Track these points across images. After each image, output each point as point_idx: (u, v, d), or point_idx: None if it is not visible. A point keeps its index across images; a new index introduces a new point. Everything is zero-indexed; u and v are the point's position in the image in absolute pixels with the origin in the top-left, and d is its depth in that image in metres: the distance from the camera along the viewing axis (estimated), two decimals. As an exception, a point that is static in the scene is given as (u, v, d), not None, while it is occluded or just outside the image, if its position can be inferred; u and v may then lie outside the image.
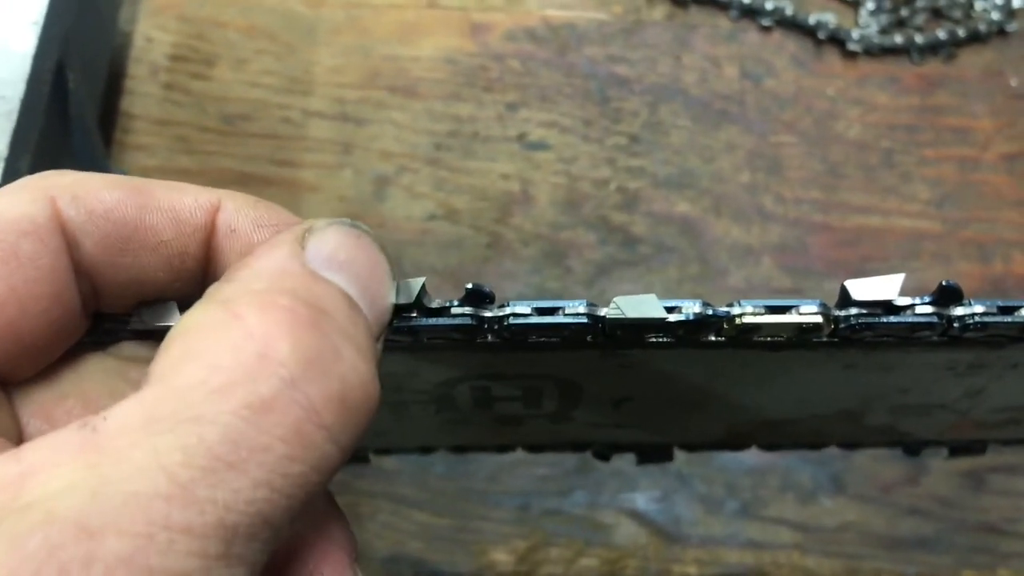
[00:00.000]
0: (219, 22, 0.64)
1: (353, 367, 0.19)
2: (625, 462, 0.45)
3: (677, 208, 0.60)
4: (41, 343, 0.21)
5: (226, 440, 0.17)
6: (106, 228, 0.21)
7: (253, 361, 0.18)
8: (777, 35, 0.66)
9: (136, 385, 0.19)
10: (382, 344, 0.22)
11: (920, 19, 0.66)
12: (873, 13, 0.66)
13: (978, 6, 0.66)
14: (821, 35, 0.65)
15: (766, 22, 0.65)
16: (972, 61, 0.65)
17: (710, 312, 0.24)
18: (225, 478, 0.17)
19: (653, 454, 0.37)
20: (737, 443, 0.36)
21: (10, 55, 0.43)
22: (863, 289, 0.24)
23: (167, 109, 0.62)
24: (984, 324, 0.25)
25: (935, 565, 0.51)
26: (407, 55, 0.64)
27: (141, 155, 0.60)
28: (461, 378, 0.30)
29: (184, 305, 0.23)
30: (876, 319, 0.25)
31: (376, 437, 0.35)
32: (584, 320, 0.25)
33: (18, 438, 0.21)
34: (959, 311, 0.25)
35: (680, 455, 0.37)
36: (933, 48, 0.65)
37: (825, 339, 0.26)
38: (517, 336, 0.25)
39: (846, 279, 0.22)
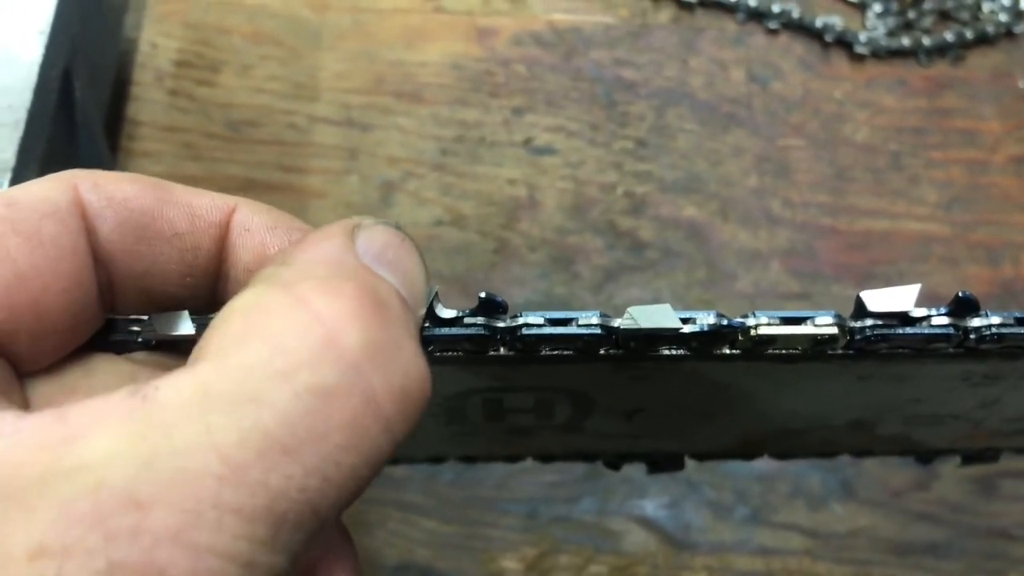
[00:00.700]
0: (224, 28, 0.64)
1: (413, 360, 0.19)
2: (634, 469, 0.45)
3: (684, 212, 0.60)
4: (60, 327, 0.21)
5: (284, 424, 0.17)
6: (124, 215, 0.22)
7: (320, 345, 0.18)
8: (784, 38, 0.65)
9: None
10: None
11: (927, 21, 0.66)
12: (880, 15, 0.65)
13: (986, 8, 0.66)
14: (828, 38, 0.65)
15: (773, 25, 0.65)
16: (980, 63, 0.64)
17: (725, 323, 0.24)
18: (279, 463, 0.17)
19: (664, 463, 0.37)
20: (749, 452, 0.36)
21: (16, 64, 0.43)
22: (878, 300, 0.24)
23: (173, 116, 0.62)
24: (1001, 335, 0.25)
25: (946, 571, 0.50)
26: (413, 60, 0.64)
27: (147, 162, 0.60)
28: (472, 390, 0.29)
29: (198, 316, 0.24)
30: (892, 330, 0.25)
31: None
32: (598, 331, 0.25)
33: None
34: (975, 322, 0.25)
35: (690, 462, 0.37)
36: (941, 50, 0.65)
37: (840, 351, 0.25)
38: (529, 347, 0.25)
39: (855, 283, 0.22)
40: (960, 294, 0.24)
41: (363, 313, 0.18)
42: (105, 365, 0.23)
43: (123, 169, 0.60)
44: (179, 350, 0.24)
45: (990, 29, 0.64)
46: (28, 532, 0.15)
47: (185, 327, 0.24)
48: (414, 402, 0.19)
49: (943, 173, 0.61)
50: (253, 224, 0.23)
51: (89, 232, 0.21)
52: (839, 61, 0.65)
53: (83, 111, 0.49)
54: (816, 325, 0.25)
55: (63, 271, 0.21)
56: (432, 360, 0.27)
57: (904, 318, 0.24)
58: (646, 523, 0.51)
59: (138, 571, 0.15)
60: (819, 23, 0.65)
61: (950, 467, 0.52)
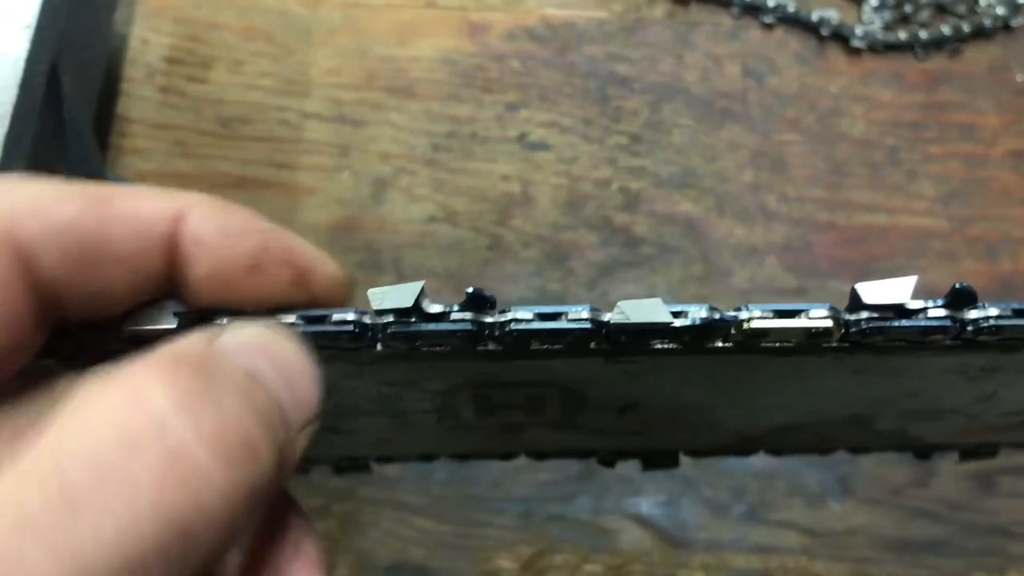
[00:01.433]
0: (215, 24, 0.64)
1: (235, 414, 0.19)
2: (629, 467, 0.44)
3: (680, 208, 0.59)
4: None
5: (85, 469, 0.17)
6: (67, 242, 0.21)
7: (124, 406, 0.18)
8: (779, 32, 0.65)
9: None
10: (309, 436, 0.22)
11: (924, 15, 0.65)
12: (876, 9, 0.65)
13: (983, 1, 0.65)
14: (824, 32, 0.64)
15: (768, 19, 0.65)
16: (977, 57, 0.64)
17: (717, 317, 0.24)
18: (86, 520, 0.16)
19: (659, 460, 0.36)
20: (745, 449, 0.35)
21: (2, 59, 0.43)
22: (874, 292, 0.24)
23: (164, 112, 0.61)
24: (999, 327, 0.24)
25: (945, 568, 0.50)
26: (405, 56, 0.63)
27: (138, 159, 0.60)
28: (461, 386, 0.29)
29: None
30: (888, 323, 0.24)
31: (377, 446, 0.35)
32: (587, 325, 0.24)
33: None
34: (973, 314, 0.24)
35: (686, 460, 0.36)
36: (938, 44, 0.64)
37: (835, 344, 0.25)
38: (519, 342, 0.25)
39: (852, 278, 0.21)
40: (957, 285, 0.24)
41: (177, 375, 0.18)
42: (65, 381, 0.22)
43: (114, 167, 0.60)
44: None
45: (987, 22, 0.64)
46: None
47: (167, 321, 0.23)
48: (237, 456, 0.18)
49: (940, 168, 0.61)
50: (204, 232, 0.22)
51: (29, 263, 0.21)
52: (835, 55, 0.64)
53: (71, 107, 0.49)
54: (810, 318, 0.24)
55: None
56: (420, 356, 0.26)
57: (900, 310, 0.24)
58: (642, 521, 0.51)
59: None
60: (815, 17, 0.64)
61: (948, 464, 0.52)
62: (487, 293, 0.24)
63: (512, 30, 0.64)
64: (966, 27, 0.64)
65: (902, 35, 0.64)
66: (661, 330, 0.24)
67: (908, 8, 0.65)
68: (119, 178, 0.58)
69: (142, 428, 0.17)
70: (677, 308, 0.24)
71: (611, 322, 0.24)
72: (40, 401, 0.22)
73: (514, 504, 0.51)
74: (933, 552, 0.50)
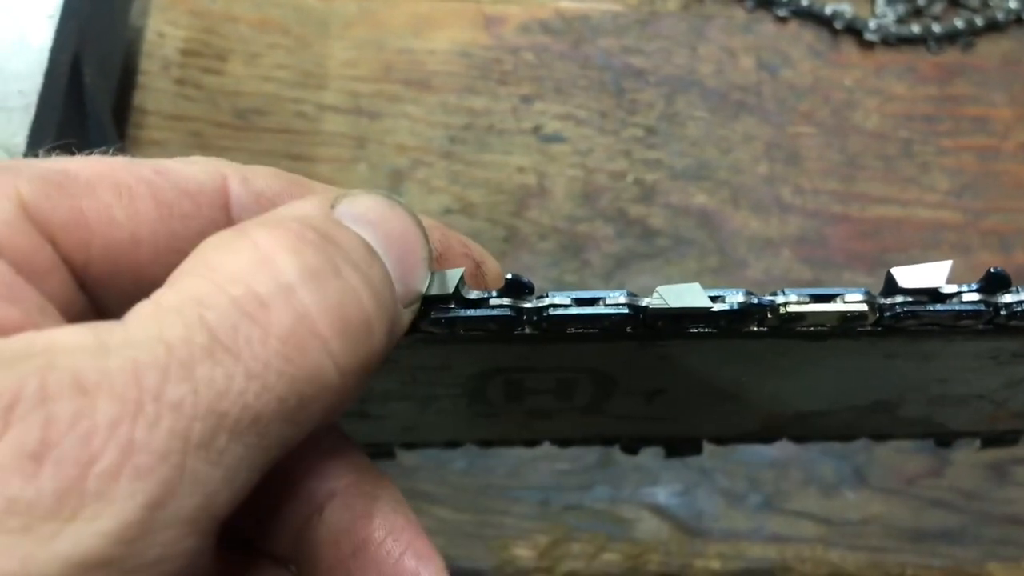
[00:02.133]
0: (231, 16, 0.64)
1: (354, 290, 0.19)
2: (647, 456, 0.45)
3: (695, 200, 0.59)
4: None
5: (225, 324, 0.17)
6: (265, 210, 0.22)
7: (253, 264, 0.18)
8: (793, 25, 0.65)
9: None
10: (412, 313, 0.22)
11: (937, 8, 0.65)
12: (890, 2, 0.65)
13: (995, -6, 0.65)
14: (838, 25, 0.64)
15: (782, 12, 0.65)
16: (990, 50, 0.64)
17: (755, 301, 0.24)
18: (222, 361, 0.17)
19: (682, 448, 0.37)
20: (768, 436, 0.35)
21: (27, 49, 0.43)
22: (909, 276, 0.24)
23: (180, 104, 0.61)
24: (1033, 312, 0.25)
25: (960, 558, 0.50)
26: (421, 48, 0.63)
27: (155, 150, 0.60)
28: (495, 371, 0.29)
29: None
30: (922, 307, 0.24)
31: (404, 431, 0.35)
32: (625, 311, 0.24)
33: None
34: (1007, 299, 0.24)
35: (704, 448, 0.37)
36: (951, 37, 0.64)
37: (869, 328, 0.25)
38: (555, 327, 0.25)
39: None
40: (992, 270, 0.24)
41: (300, 242, 0.19)
42: None
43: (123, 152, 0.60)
44: None
45: (1000, 16, 0.64)
46: None
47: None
48: (355, 331, 0.19)
49: (954, 160, 0.61)
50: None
51: (233, 223, 0.22)
52: (849, 48, 0.64)
53: (92, 98, 0.49)
54: (846, 302, 0.24)
55: (178, 246, 0.21)
56: (456, 340, 0.27)
57: (934, 294, 0.24)
58: (659, 510, 0.51)
59: (68, 458, 0.15)
60: (828, 10, 0.64)
61: (963, 453, 0.52)
62: (525, 279, 0.25)
63: (527, 23, 0.64)
64: (979, 20, 0.64)
65: (915, 28, 0.64)
66: (698, 315, 0.24)
67: (921, 1, 0.65)
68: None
69: (271, 292, 0.18)
70: (714, 292, 0.24)
71: (649, 307, 0.24)
72: None
73: (531, 493, 0.51)
74: (948, 541, 0.51)
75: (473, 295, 0.24)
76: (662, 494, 0.52)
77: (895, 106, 0.63)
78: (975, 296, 0.24)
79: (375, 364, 0.20)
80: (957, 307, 0.24)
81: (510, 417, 0.33)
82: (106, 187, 0.21)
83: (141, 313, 0.18)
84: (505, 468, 0.52)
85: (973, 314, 0.24)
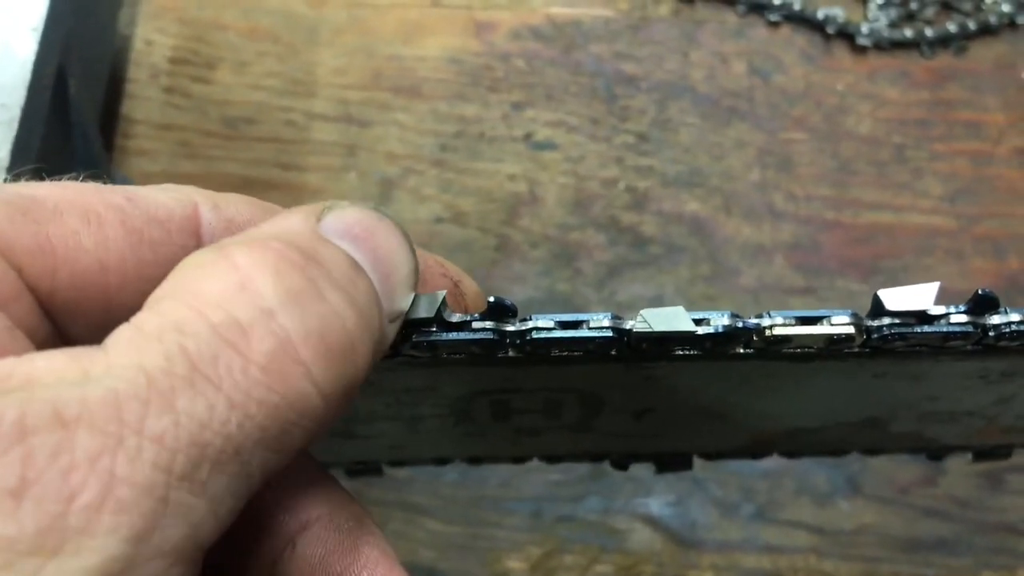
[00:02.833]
0: (220, 24, 0.63)
1: (335, 313, 0.19)
2: (639, 467, 0.45)
3: (687, 207, 0.59)
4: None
5: (206, 352, 0.17)
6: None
7: (233, 290, 0.18)
8: (785, 30, 0.65)
9: None
10: (396, 327, 0.22)
11: (930, 12, 0.65)
12: (882, 7, 0.65)
13: (988, -2, 0.65)
14: (830, 30, 0.64)
15: (774, 17, 0.65)
16: (983, 54, 0.64)
17: (740, 325, 0.24)
18: (203, 391, 0.17)
19: (672, 463, 0.36)
20: (759, 451, 0.35)
21: (10, 61, 0.42)
22: (897, 299, 0.24)
23: (168, 113, 0.61)
24: (1020, 332, 0.24)
25: (954, 567, 0.50)
26: (411, 55, 0.63)
27: (143, 160, 0.60)
28: (480, 392, 0.29)
29: None
30: (910, 329, 0.24)
31: (391, 450, 0.35)
32: (609, 334, 0.24)
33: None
34: (995, 320, 0.24)
35: (697, 461, 0.36)
36: (943, 41, 0.64)
37: (856, 349, 0.25)
38: (539, 350, 0.25)
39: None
40: (980, 292, 0.24)
41: (281, 263, 0.19)
42: None
43: (119, 168, 0.59)
44: None
45: (993, 20, 0.64)
46: None
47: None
48: (337, 355, 0.19)
49: (947, 165, 0.61)
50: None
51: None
52: (841, 53, 0.64)
53: (78, 109, 0.48)
54: (832, 324, 0.24)
55: (147, 273, 0.21)
56: (440, 363, 0.26)
57: (922, 316, 0.24)
58: (651, 522, 0.51)
59: (49, 494, 0.15)
60: (820, 15, 0.64)
61: (957, 463, 0.52)
62: (508, 302, 0.24)
63: (518, 29, 0.64)
64: (972, 24, 0.64)
65: (908, 33, 0.64)
66: (683, 338, 0.24)
67: (914, 6, 0.65)
68: (125, 179, 0.58)
69: (251, 318, 0.18)
70: (699, 315, 0.24)
71: (633, 331, 0.24)
72: None
73: (524, 505, 0.51)
74: (942, 551, 0.50)
75: (455, 318, 0.24)
76: (655, 505, 0.51)
77: (888, 111, 0.62)
78: (963, 318, 0.24)
79: (359, 385, 0.20)
80: (945, 329, 0.24)
81: (498, 435, 0.33)
82: (74, 213, 0.21)
83: (120, 338, 0.17)
84: (497, 480, 0.51)
85: (961, 335, 0.24)
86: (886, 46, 0.64)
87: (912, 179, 0.60)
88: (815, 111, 0.62)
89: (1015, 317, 0.24)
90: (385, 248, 0.21)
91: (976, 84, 0.63)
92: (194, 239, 0.22)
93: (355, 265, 0.20)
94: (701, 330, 0.24)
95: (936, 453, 0.36)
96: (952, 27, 0.64)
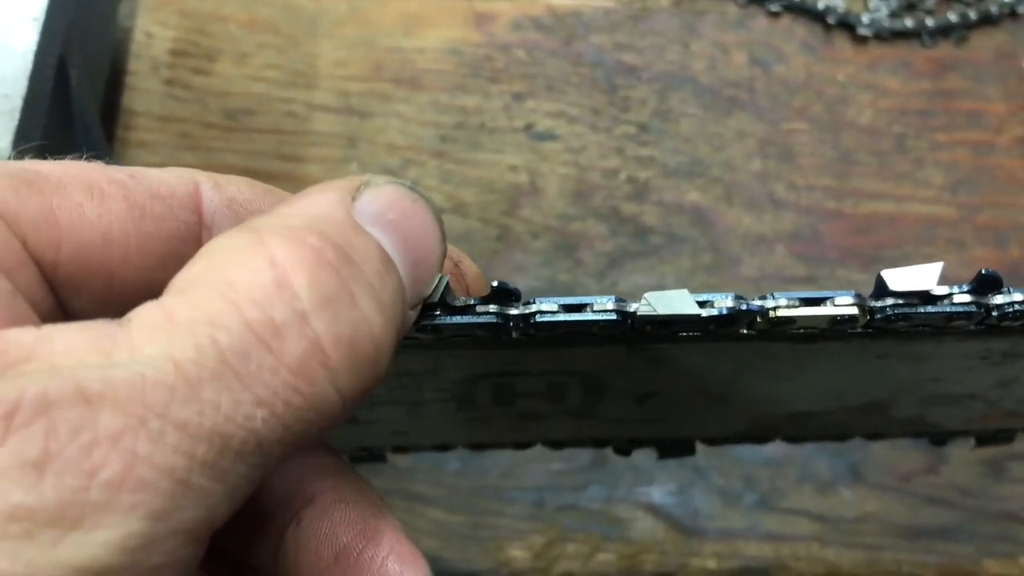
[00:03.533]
0: (220, 16, 0.63)
1: (366, 319, 0.19)
2: (641, 456, 0.45)
3: (688, 197, 0.59)
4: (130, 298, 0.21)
5: (238, 349, 0.17)
6: (242, 217, 0.22)
7: (270, 286, 0.18)
8: (786, 20, 0.65)
9: None
10: (417, 312, 0.22)
11: (930, 2, 0.65)
12: (883, -4, 0.65)
13: (989, -12, 0.65)
14: (830, 20, 0.64)
15: (774, 7, 0.65)
16: (984, 44, 0.64)
17: (743, 307, 0.24)
18: (231, 386, 0.17)
19: (675, 448, 0.36)
20: (761, 436, 0.35)
21: (11, 52, 0.42)
22: (900, 279, 0.24)
23: (169, 105, 0.61)
24: (1023, 312, 0.24)
25: (956, 555, 0.50)
26: (411, 47, 0.63)
27: (144, 152, 0.60)
28: (483, 376, 0.29)
29: None
30: (913, 309, 0.24)
31: (394, 435, 0.35)
32: (613, 317, 0.24)
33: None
34: (998, 300, 0.24)
35: (699, 448, 0.37)
36: (944, 31, 0.64)
37: (860, 330, 0.25)
38: (543, 333, 0.25)
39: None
40: (983, 271, 0.24)
41: (317, 262, 0.19)
42: None
43: (119, 160, 0.59)
44: None
45: (994, 9, 0.64)
46: None
47: None
48: (362, 360, 0.19)
49: (948, 155, 0.61)
50: None
51: (205, 228, 0.22)
52: (842, 43, 0.64)
53: (79, 100, 0.48)
54: (836, 305, 0.24)
55: (150, 248, 0.21)
56: (443, 346, 0.26)
57: (925, 296, 0.24)
58: (654, 510, 0.51)
59: (70, 468, 0.15)
60: (821, 5, 0.64)
61: (959, 450, 0.52)
62: (512, 286, 0.24)
63: (518, 20, 0.64)
64: (972, 14, 0.64)
65: (908, 22, 0.64)
66: (687, 320, 0.24)
67: (914, -5, 0.65)
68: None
69: (285, 320, 0.18)
70: (703, 298, 0.24)
71: (638, 313, 0.24)
72: None
73: (526, 494, 0.51)
74: (944, 538, 0.51)
75: (459, 302, 0.24)
76: (657, 493, 0.51)
77: (888, 101, 0.62)
78: (966, 298, 0.24)
79: (378, 385, 0.20)
80: (948, 309, 0.24)
81: (500, 420, 0.33)
82: (77, 187, 0.21)
83: (149, 321, 0.17)
84: (499, 469, 0.52)
85: (964, 315, 0.24)
86: (887, 36, 0.64)
87: (913, 169, 0.60)
88: (816, 101, 0.62)
89: (1018, 297, 0.24)
90: (417, 233, 0.21)
91: (977, 74, 0.63)
92: (196, 216, 0.22)
93: (386, 259, 0.20)
94: (705, 312, 0.24)
95: (939, 438, 0.36)
96: (953, 17, 0.64)
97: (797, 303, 0.24)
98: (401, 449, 0.37)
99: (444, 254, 0.22)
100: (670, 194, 0.59)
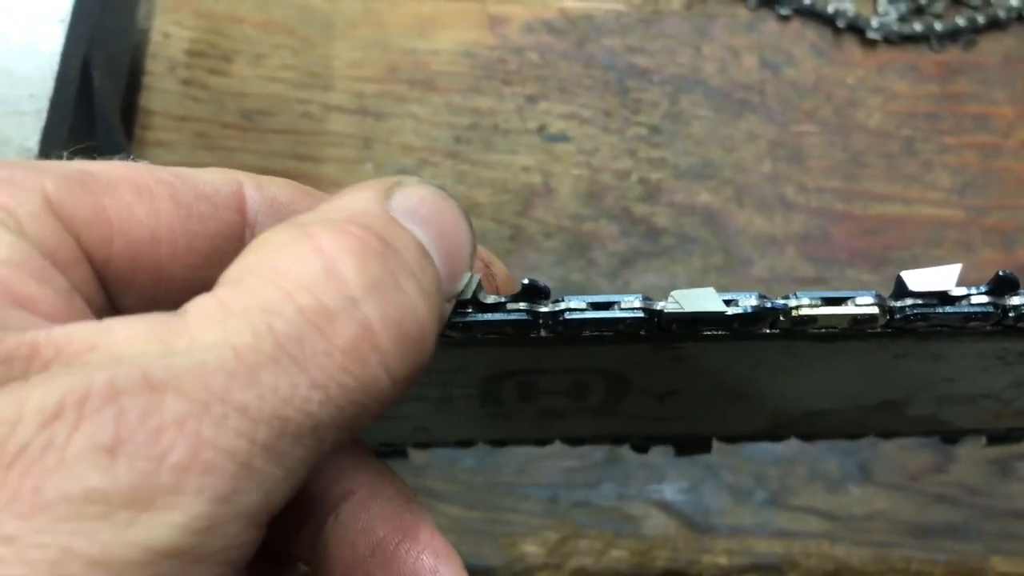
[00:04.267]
0: (236, 17, 0.64)
1: (412, 303, 0.20)
2: (654, 453, 0.45)
3: (699, 199, 0.60)
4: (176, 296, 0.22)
5: (293, 334, 0.18)
6: (284, 218, 0.23)
7: (319, 273, 0.19)
8: (796, 24, 0.65)
9: None
10: (451, 307, 0.23)
11: (939, 6, 0.66)
12: (892, 1, 0.65)
13: (997, -8, 0.66)
14: (840, 24, 0.65)
15: (784, 11, 0.65)
16: (992, 48, 0.65)
17: (768, 305, 0.24)
18: (288, 370, 0.17)
19: (692, 446, 0.37)
20: (777, 434, 0.36)
21: (38, 53, 0.43)
22: (919, 279, 0.24)
23: (186, 105, 0.62)
24: (1039, 313, 0.25)
25: (964, 552, 0.51)
26: (425, 48, 0.63)
27: (161, 152, 0.60)
28: (509, 373, 0.30)
29: None
30: (932, 309, 0.25)
31: (417, 431, 0.36)
32: (640, 315, 0.25)
33: None
34: (1015, 301, 0.25)
35: (713, 446, 0.37)
36: (953, 35, 0.65)
37: (879, 329, 0.26)
38: (571, 331, 0.26)
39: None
40: (1000, 273, 0.25)
41: (363, 250, 0.19)
42: None
43: (139, 159, 0.60)
44: None
45: (1002, 14, 0.64)
46: (45, 393, 0.16)
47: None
48: (410, 343, 0.19)
49: (956, 158, 0.61)
50: None
51: (249, 227, 0.23)
52: (851, 47, 0.65)
53: (101, 100, 0.49)
54: (857, 305, 0.25)
55: (196, 246, 0.22)
56: (472, 344, 0.27)
57: (944, 297, 0.25)
58: (666, 507, 0.52)
59: (140, 451, 0.16)
60: (831, 9, 0.65)
61: (967, 449, 0.52)
62: (541, 283, 0.25)
63: (531, 23, 0.65)
64: (981, 18, 0.64)
65: (917, 27, 0.64)
66: (713, 318, 0.25)
67: (923, 0, 0.66)
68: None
69: (337, 304, 0.18)
70: (728, 296, 0.25)
71: (664, 311, 0.24)
72: None
73: (540, 490, 0.52)
74: (952, 536, 0.51)
75: (490, 299, 0.25)
76: (669, 491, 0.52)
77: (897, 104, 0.63)
78: (984, 299, 0.25)
79: (424, 370, 0.20)
80: (966, 309, 0.25)
81: (523, 417, 0.34)
82: (127, 187, 0.21)
83: (205, 311, 0.18)
84: (514, 466, 0.52)
85: (982, 316, 0.25)
86: (896, 40, 0.65)
87: (921, 171, 0.61)
88: (825, 104, 0.63)
89: (1035, 298, 0.25)
90: (449, 230, 0.22)
91: (985, 78, 0.64)
92: (239, 215, 0.23)
93: (424, 251, 0.21)
94: (731, 310, 0.24)
95: (950, 437, 0.37)
96: (961, 21, 0.64)
97: (819, 302, 0.25)
98: (422, 445, 0.38)
99: (475, 251, 0.23)
100: (681, 195, 0.60)
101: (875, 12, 0.66)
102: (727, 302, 0.24)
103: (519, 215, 0.59)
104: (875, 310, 0.25)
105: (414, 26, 0.64)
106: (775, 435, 0.36)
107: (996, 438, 0.36)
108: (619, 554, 0.51)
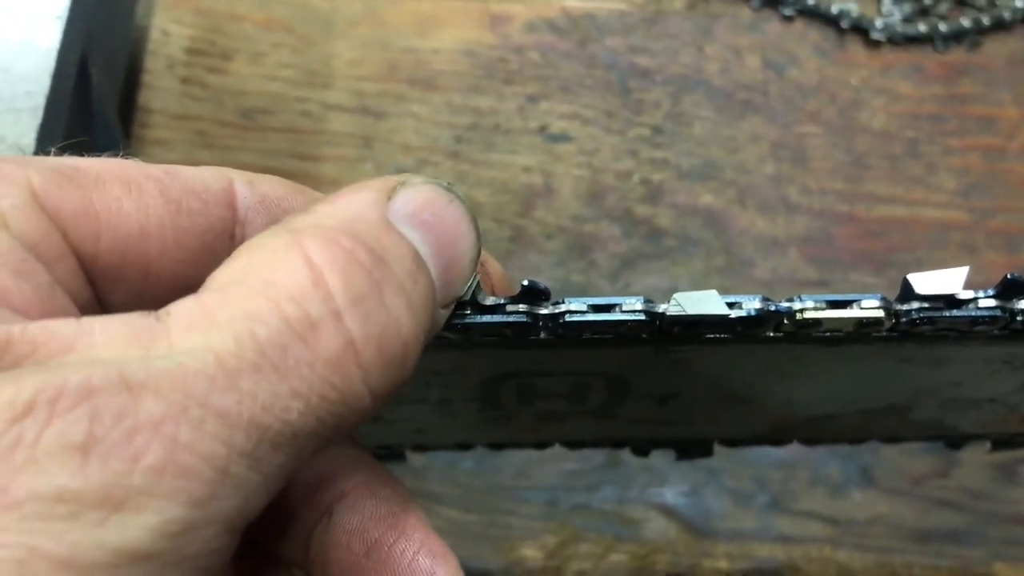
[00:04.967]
0: (235, 15, 0.64)
1: (395, 320, 0.19)
2: (655, 457, 0.45)
3: (701, 200, 0.59)
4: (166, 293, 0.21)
5: (276, 343, 0.18)
6: (276, 215, 0.23)
7: (307, 284, 0.19)
8: (799, 24, 0.65)
9: None
10: (449, 311, 0.23)
11: (943, 7, 0.65)
12: (896, 1, 0.65)
13: (1002, -7, 0.65)
14: (844, 24, 0.64)
15: (788, 11, 0.65)
16: (997, 49, 0.64)
17: (772, 308, 0.24)
18: (269, 378, 0.17)
19: (693, 450, 0.37)
20: (779, 438, 0.36)
21: (35, 50, 0.43)
22: (926, 283, 0.24)
23: (185, 104, 0.61)
24: (1048, 318, 0.25)
25: (967, 558, 0.50)
26: (426, 47, 0.63)
27: (160, 150, 0.60)
28: (507, 375, 0.29)
29: None
30: (938, 313, 0.24)
31: (416, 434, 0.35)
32: (642, 317, 0.24)
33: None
34: (1022, 304, 0.24)
35: (714, 450, 0.37)
36: (957, 36, 0.64)
37: (884, 333, 0.25)
38: (571, 333, 0.25)
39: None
40: (1008, 276, 0.24)
41: (350, 263, 0.19)
42: None
43: (137, 157, 0.60)
44: None
45: (1007, 15, 0.64)
46: (16, 389, 0.15)
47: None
48: (391, 360, 0.19)
49: (960, 160, 0.61)
50: None
51: (239, 224, 0.22)
52: (855, 48, 0.64)
53: (99, 98, 0.49)
54: (862, 308, 0.24)
55: (185, 242, 0.21)
56: (471, 346, 0.27)
57: (951, 300, 0.24)
58: (666, 511, 0.51)
59: (113, 451, 0.16)
60: (835, 9, 0.64)
61: (970, 454, 0.52)
62: (541, 285, 0.25)
63: (533, 22, 0.64)
64: (985, 19, 0.64)
65: (922, 27, 0.64)
66: (716, 321, 0.24)
67: (927, 1, 0.65)
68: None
69: (321, 316, 0.18)
70: (731, 299, 0.24)
71: (667, 314, 0.24)
72: None
73: (539, 494, 0.52)
74: (955, 542, 0.51)
75: (489, 301, 0.24)
76: (670, 494, 0.52)
77: (901, 106, 0.62)
78: (991, 302, 0.24)
79: (405, 384, 0.20)
80: (973, 313, 0.24)
81: (522, 420, 0.33)
82: (115, 182, 0.21)
83: (188, 316, 0.18)
84: (513, 469, 0.52)
85: (989, 320, 0.24)
86: (900, 41, 0.64)
87: (925, 173, 0.61)
88: (829, 105, 0.62)
89: (1044, 302, 0.24)
90: (451, 235, 0.22)
91: (989, 79, 0.63)
92: (230, 212, 0.23)
93: (418, 260, 0.21)
94: (734, 313, 0.24)
95: (955, 441, 0.36)
96: (966, 22, 0.64)
97: (824, 305, 0.24)
98: (421, 448, 0.38)
99: (479, 256, 0.23)
100: (683, 196, 0.59)
101: (879, 13, 0.65)
102: (730, 305, 0.24)
103: (520, 215, 0.59)
104: (880, 313, 0.24)
105: (414, 25, 0.64)
106: (777, 439, 0.36)
107: (1001, 443, 0.35)
108: (619, 558, 0.50)
